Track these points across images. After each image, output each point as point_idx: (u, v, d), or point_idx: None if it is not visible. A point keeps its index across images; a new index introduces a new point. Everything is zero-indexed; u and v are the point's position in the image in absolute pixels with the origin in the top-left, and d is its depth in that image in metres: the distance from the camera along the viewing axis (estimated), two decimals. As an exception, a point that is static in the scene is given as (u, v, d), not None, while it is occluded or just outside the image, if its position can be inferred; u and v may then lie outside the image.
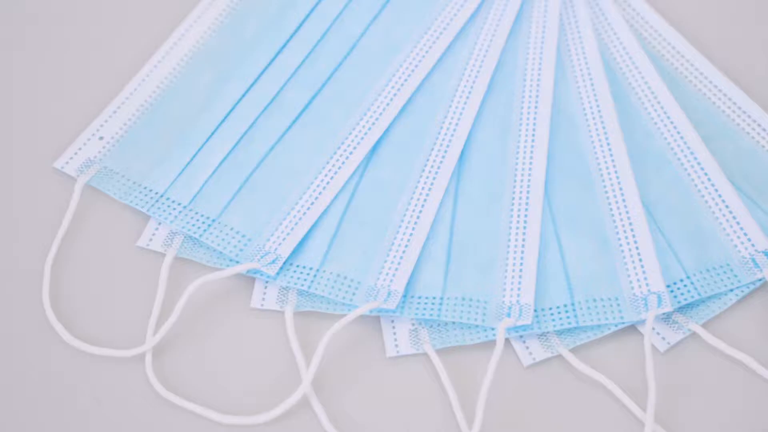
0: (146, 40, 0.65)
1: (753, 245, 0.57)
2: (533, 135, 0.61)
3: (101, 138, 0.61)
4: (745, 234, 0.57)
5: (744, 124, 0.62)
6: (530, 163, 0.60)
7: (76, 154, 0.60)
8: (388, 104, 0.62)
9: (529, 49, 0.64)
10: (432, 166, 0.60)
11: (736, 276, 0.56)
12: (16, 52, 0.65)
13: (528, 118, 0.61)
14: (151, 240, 0.58)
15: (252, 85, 0.63)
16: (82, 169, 0.60)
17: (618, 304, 0.55)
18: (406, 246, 0.57)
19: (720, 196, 0.59)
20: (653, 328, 0.55)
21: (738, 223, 0.57)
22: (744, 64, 0.65)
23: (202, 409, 0.53)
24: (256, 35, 0.65)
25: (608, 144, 0.60)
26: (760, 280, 0.56)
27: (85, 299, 0.57)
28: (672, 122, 0.61)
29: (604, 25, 0.65)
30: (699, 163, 0.60)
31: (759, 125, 0.61)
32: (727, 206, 0.58)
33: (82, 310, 0.56)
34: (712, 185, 0.59)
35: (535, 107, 0.62)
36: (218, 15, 0.66)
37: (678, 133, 0.61)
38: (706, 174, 0.59)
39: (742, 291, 0.56)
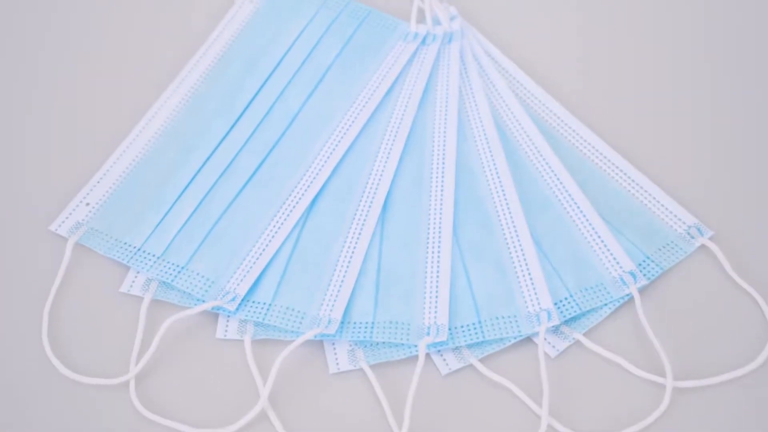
0: (122, 118, 0.67)
1: (620, 267, 0.60)
2: (442, 185, 0.63)
3: (87, 204, 0.63)
4: (614, 258, 0.60)
5: (610, 170, 0.65)
6: (440, 209, 0.62)
7: (67, 218, 0.62)
8: (323, 164, 0.64)
9: (436, 116, 0.66)
10: (361, 214, 0.62)
11: (608, 293, 0.59)
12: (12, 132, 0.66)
13: (437, 172, 0.64)
14: (131, 286, 0.60)
15: (211, 154, 0.65)
16: (72, 231, 0.62)
17: (516, 320, 0.58)
18: (342, 281, 0.59)
19: (593, 228, 0.62)
20: (545, 339, 0.58)
21: (608, 249, 0.61)
22: (609, 123, 0.67)
23: (180, 425, 0.55)
24: (214, 112, 0.66)
25: (503, 190, 0.63)
26: (627, 295, 0.60)
27: (77, 337, 0.58)
28: (553, 171, 0.64)
29: (494, 95, 0.68)
30: (575, 203, 0.62)
31: (621, 171, 0.65)
32: (599, 237, 0.61)
33: (76, 346, 0.58)
34: (587, 220, 0.62)
35: (443, 163, 0.64)
36: (183, 97, 0.67)
37: (558, 179, 0.64)
38: (581, 211, 0.62)
39: (614, 304, 0.59)
